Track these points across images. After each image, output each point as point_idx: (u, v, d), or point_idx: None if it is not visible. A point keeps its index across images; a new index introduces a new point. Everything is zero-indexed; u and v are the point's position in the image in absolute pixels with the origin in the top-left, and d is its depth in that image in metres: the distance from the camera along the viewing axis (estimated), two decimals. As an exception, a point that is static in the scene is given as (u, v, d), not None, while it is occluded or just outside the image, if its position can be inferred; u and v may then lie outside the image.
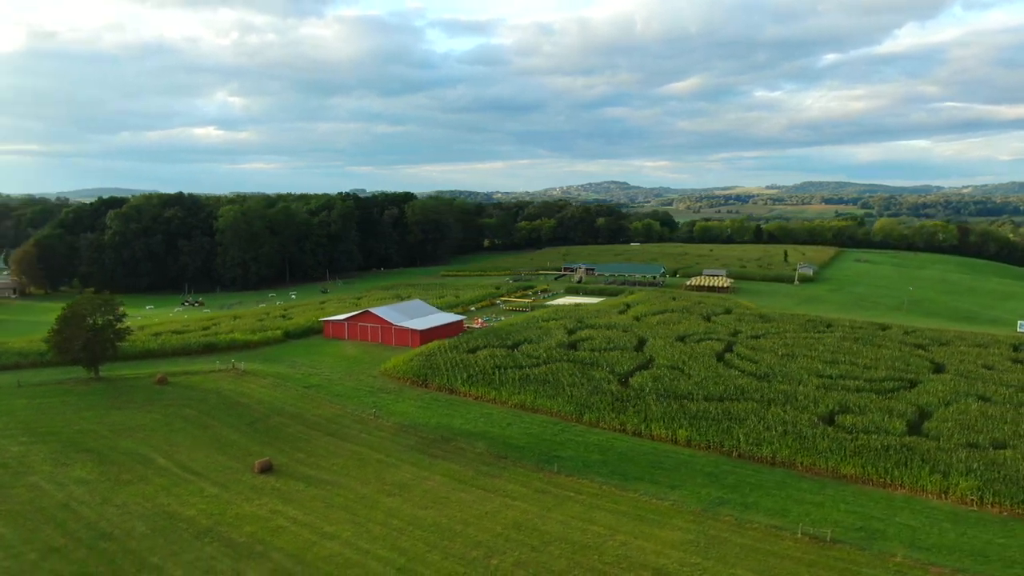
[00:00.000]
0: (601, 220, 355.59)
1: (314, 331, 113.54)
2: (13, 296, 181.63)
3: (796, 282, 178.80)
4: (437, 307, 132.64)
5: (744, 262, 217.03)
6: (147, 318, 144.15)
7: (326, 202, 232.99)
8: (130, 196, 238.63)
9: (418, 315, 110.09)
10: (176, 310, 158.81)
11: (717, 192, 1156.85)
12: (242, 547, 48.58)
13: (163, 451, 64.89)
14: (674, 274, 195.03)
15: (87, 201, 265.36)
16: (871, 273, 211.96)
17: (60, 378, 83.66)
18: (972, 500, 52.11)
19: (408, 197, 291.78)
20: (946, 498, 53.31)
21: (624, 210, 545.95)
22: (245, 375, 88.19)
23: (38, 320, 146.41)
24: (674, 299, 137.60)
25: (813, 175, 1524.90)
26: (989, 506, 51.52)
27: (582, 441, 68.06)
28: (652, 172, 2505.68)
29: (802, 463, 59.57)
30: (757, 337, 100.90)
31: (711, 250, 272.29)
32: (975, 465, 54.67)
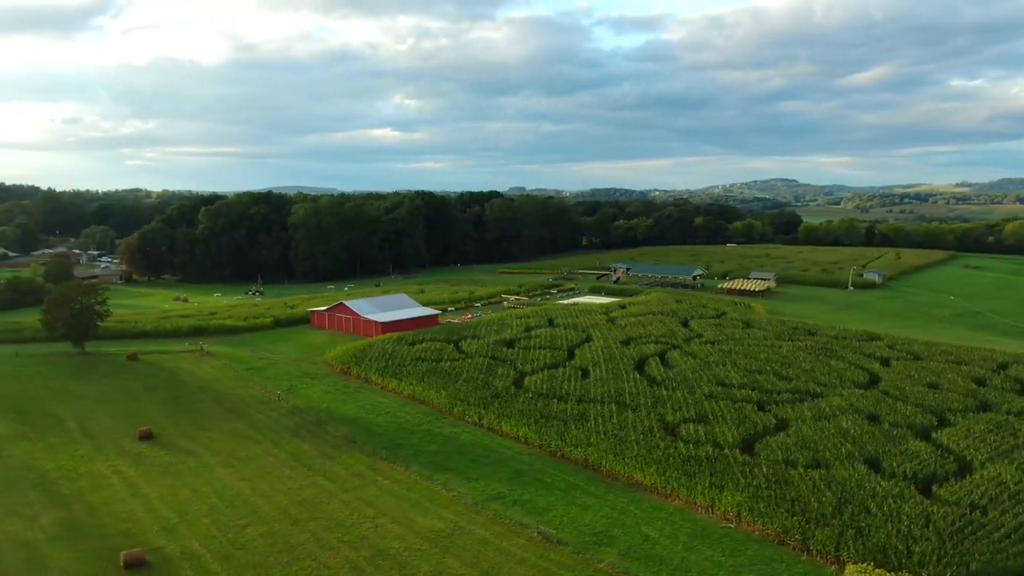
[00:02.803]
0: (699, 220, 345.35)
1: (305, 320, 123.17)
2: (119, 282, 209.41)
3: (849, 287, 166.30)
4: (442, 302, 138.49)
5: (811, 265, 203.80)
6: (202, 304, 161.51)
7: (399, 200, 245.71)
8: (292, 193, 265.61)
9: (392, 308, 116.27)
10: (236, 298, 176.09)
11: (897, 190, 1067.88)
12: (60, 497, 56.80)
13: (79, 416, 75.39)
14: (724, 276, 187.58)
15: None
16: (964, 280, 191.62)
17: (53, 352, 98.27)
18: (731, 517, 49.86)
19: (493, 196, 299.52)
20: (712, 512, 51.29)
21: (783, 209, 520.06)
22: (206, 356, 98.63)
23: (121, 303, 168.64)
24: (678, 301, 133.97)
25: (1015, 171, 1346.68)
26: (746, 524, 49.11)
27: (436, 432, 70.89)
28: (830, 168, 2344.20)
29: (606, 467, 59.09)
30: (711, 343, 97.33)
31: (799, 252, 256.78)
32: (756, 482, 51.91)
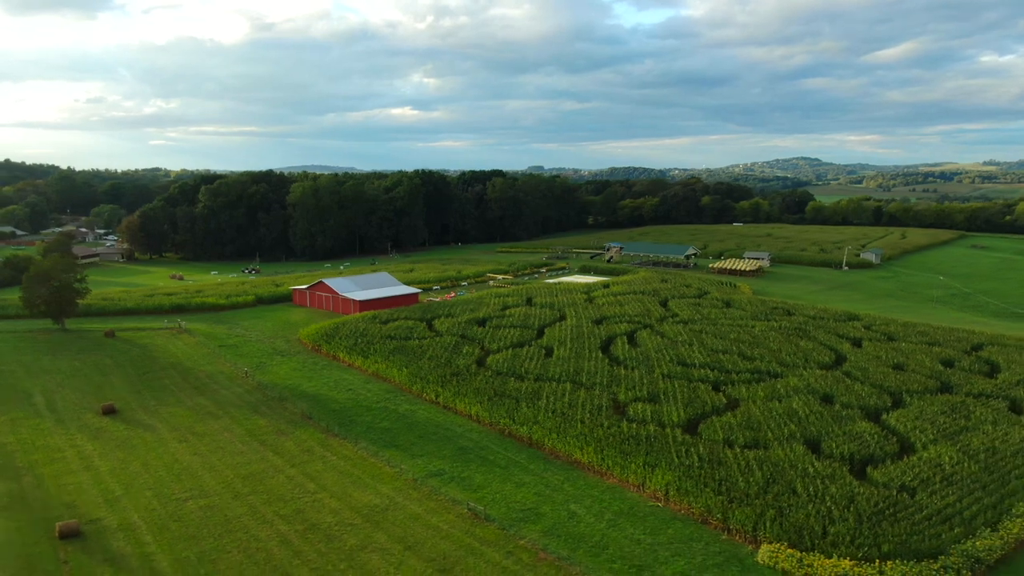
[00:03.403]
0: (706, 199, 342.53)
1: (288, 298, 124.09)
2: (120, 260, 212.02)
3: (844, 267, 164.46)
4: (428, 281, 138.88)
5: (811, 245, 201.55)
6: (196, 282, 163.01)
7: (399, 179, 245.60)
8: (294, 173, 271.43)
9: (372, 286, 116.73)
10: (232, 276, 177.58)
11: (922, 169, 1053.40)
12: (12, 469, 58.03)
13: (48, 391, 76.75)
14: (720, 256, 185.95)
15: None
16: (966, 261, 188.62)
17: (33, 328, 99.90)
18: (660, 495, 49.96)
19: (495, 174, 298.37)
20: (642, 491, 51.40)
21: (796, 188, 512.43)
22: (183, 333, 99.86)
23: (116, 280, 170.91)
24: (664, 281, 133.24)
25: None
26: (673, 503, 49.18)
27: (392, 409, 71.46)
28: (856, 147, 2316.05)
29: (549, 446, 59.32)
30: (685, 323, 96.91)
31: (803, 232, 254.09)
32: (689, 461, 51.87)
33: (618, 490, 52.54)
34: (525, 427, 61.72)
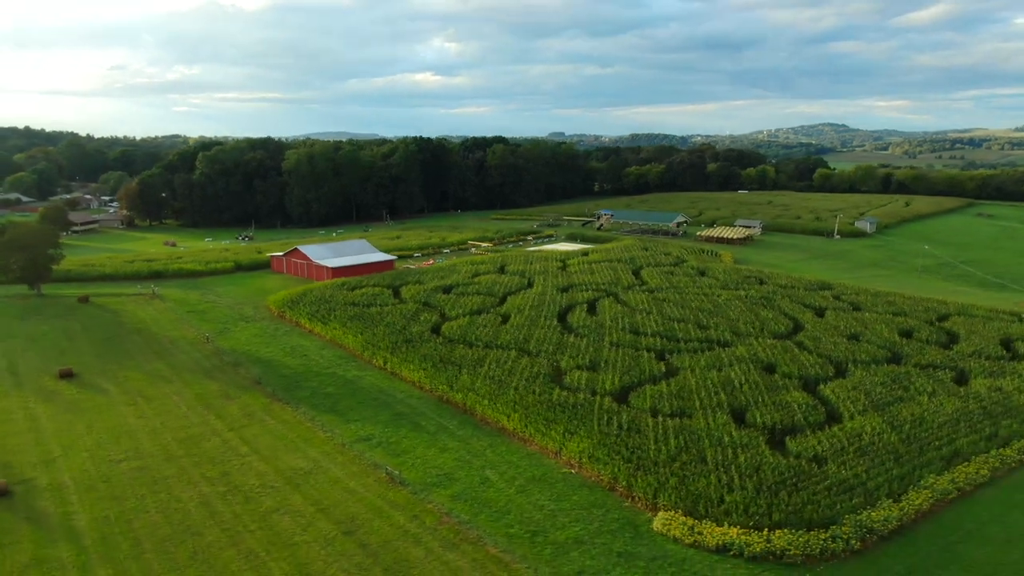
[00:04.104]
0: (712, 166, 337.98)
1: (267, 265, 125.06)
2: (120, 227, 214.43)
3: (836, 235, 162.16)
4: (411, 248, 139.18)
5: (808, 213, 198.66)
6: (188, 249, 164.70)
7: (396, 146, 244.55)
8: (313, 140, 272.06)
9: (347, 254, 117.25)
10: (225, 242, 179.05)
11: (951, 135, 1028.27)
12: (-41, 431, 59.81)
13: (11, 355, 78.49)
14: (712, 224, 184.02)
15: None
16: (964, 230, 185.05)
17: (10, 294, 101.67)
18: (575, 463, 50.39)
19: (496, 141, 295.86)
20: (559, 458, 51.87)
21: (811, 155, 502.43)
22: (155, 299, 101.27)
23: (110, 247, 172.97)
24: (645, 249, 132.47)
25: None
26: (586, 470, 49.61)
27: (340, 375, 72.31)
28: (884, 113, 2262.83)
29: (480, 412, 59.87)
30: (650, 291, 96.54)
31: (805, 199, 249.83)
32: (609, 429, 52.12)
33: (537, 457, 53.07)
34: (461, 394, 62.29)
